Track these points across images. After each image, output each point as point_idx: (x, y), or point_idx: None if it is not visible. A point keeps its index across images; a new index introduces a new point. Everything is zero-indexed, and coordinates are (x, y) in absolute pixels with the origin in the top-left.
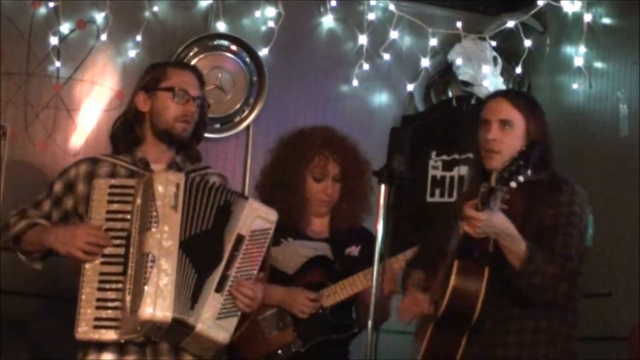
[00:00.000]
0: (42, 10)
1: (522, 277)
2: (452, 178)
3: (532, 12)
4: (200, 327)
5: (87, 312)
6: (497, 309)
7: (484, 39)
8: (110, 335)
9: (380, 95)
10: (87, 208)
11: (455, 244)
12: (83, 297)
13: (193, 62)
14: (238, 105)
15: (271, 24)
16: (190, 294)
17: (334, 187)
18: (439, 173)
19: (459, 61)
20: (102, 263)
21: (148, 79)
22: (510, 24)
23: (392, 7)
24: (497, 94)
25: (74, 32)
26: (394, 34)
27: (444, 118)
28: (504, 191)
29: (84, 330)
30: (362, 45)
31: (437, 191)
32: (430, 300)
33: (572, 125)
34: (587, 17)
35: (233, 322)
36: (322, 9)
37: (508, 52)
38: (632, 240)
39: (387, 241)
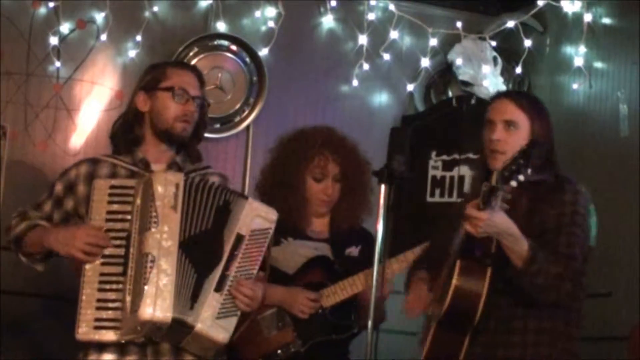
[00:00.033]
0: (42, 10)
1: (524, 276)
2: (452, 178)
3: (532, 12)
4: (199, 326)
5: (87, 313)
6: (500, 309)
7: (484, 39)
8: (110, 335)
9: (380, 95)
10: (87, 209)
11: (458, 244)
12: (83, 297)
13: (193, 62)
14: (238, 105)
15: (271, 24)
16: (189, 293)
17: (334, 187)
18: (439, 173)
19: (459, 61)
20: (102, 264)
21: (148, 79)
22: (510, 24)
23: (392, 7)
24: (502, 95)
25: (74, 32)
26: (394, 34)
27: (444, 118)
28: (505, 190)
29: (84, 331)
30: (362, 45)
31: (437, 191)
32: (434, 299)
33: (572, 125)
34: (587, 17)
35: (233, 321)
36: (322, 9)
37: (508, 52)
38: (632, 240)
39: (387, 241)
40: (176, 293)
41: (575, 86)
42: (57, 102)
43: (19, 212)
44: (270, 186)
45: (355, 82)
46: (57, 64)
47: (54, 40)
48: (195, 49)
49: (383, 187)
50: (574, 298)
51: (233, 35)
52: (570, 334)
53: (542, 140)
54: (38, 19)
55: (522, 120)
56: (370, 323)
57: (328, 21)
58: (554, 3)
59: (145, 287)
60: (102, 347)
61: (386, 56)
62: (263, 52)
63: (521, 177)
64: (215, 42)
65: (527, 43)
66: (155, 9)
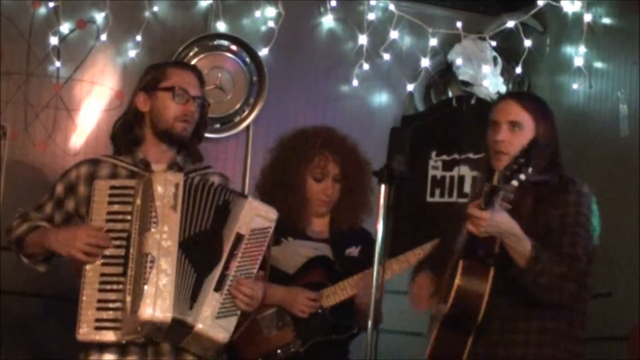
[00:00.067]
0: (42, 10)
1: (527, 276)
2: (452, 178)
3: (532, 12)
4: (199, 326)
5: (88, 314)
6: (503, 309)
7: (484, 39)
8: (111, 336)
9: (380, 95)
10: (88, 209)
11: (461, 244)
12: (84, 298)
13: (193, 62)
14: (238, 105)
15: (271, 24)
16: (189, 293)
17: (334, 187)
18: (439, 173)
19: (459, 61)
20: (103, 264)
21: (148, 79)
22: (510, 24)
23: (392, 7)
24: (507, 96)
25: (74, 32)
26: (394, 34)
27: (444, 118)
28: (507, 190)
29: (85, 332)
30: (362, 45)
31: (437, 191)
32: (438, 299)
33: (572, 125)
34: (587, 17)
35: (232, 321)
36: (322, 9)
37: (508, 52)
38: (632, 240)
39: (387, 241)
40: (176, 293)
41: (575, 86)
42: (57, 102)
43: (20, 213)
44: (270, 186)
45: (355, 82)
46: (57, 64)
47: (54, 40)
48: (195, 49)
49: (383, 187)
50: (577, 299)
51: (233, 35)
52: (573, 334)
53: (546, 141)
54: (38, 19)
55: (526, 121)
56: (370, 323)
57: (328, 21)
58: (554, 3)
59: (145, 287)
60: (103, 347)
61: (386, 56)
62: (263, 52)
63: (522, 176)
64: (215, 42)
65: (527, 43)
66: (155, 9)
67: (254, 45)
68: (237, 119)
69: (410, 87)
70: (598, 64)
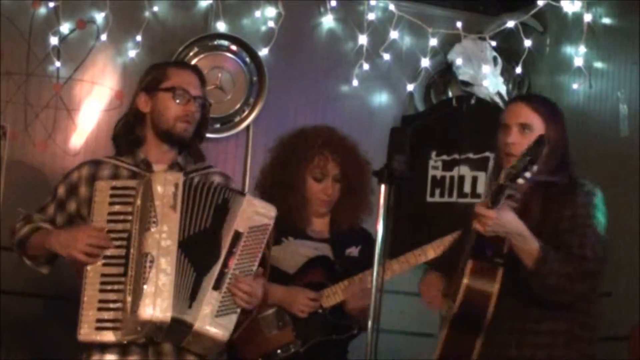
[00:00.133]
0: (42, 10)
1: (535, 277)
2: (452, 178)
3: (532, 12)
4: (198, 325)
5: (89, 314)
6: (513, 310)
7: (484, 39)
8: (112, 336)
9: (380, 95)
10: (89, 210)
11: (470, 244)
12: (85, 299)
13: (193, 62)
14: (238, 105)
15: (271, 24)
16: (189, 292)
17: (334, 187)
18: (439, 173)
19: (459, 61)
20: (104, 265)
21: (149, 79)
22: (510, 24)
23: (392, 7)
24: (517, 98)
25: (74, 32)
26: (394, 34)
27: (444, 118)
28: (513, 188)
29: (86, 332)
30: (362, 45)
31: (437, 191)
32: (448, 300)
33: (572, 125)
34: (587, 17)
35: (232, 319)
36: (322, 9)
37: (508, 52)
38: (632, 240)
39: (387, 241)
40: (175, 292)
41: (575, 86)
42: (57, 102)
43: (23, 215)
44: (270, 186)
45: (355, 82)
46: (57, 64)
47: (54, 40)
48: (195, 49)
49: (383, 187)
50: (587, 299)
51: (233, 35)
52: (584, 336)
53: (556, 142)
54: (38, 19)
55: (537, 123)
56: (370, 323)
57: (328, 21)
58: (554, 3)
59: (145, 287)
60: (104, 348)
61: (386, 56)
62: (263, 52)
63: (528, 175)
64: (215, 42)
65: (527, 43)
66: (155, 9)
67: (254, 45)
68: (237, 119)
69: (410, 87)
70: (598, 64)
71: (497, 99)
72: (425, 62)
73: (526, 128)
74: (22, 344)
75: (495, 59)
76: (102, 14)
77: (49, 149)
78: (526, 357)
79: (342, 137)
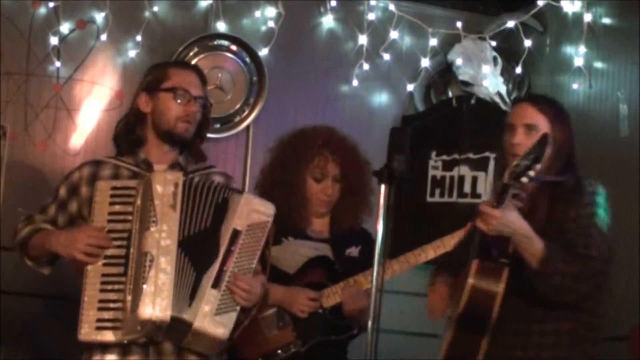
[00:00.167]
0: (42, 10)
1: (540, 277)
2: (452, 178)
3: (532, 12)
4: (198, 324)
5: (89, 314)
6: (518, 310)
7: (484, 39)
8: (112, 336)
9: (380, 95)
10: (90, 210)
11: (476, 244)
12: (85, 298)
13: (193, 62)
14: (238, 105)
15: (271, 24)
16: (188, 291)
17: (333, 187)
18: (439, 173)
19: (459, 61)
20: (104, 264)
21: (149, 79)
22: (510, 24)
23: (392, 7)
24: (523, 99)
25: (74, 32)
26: (394, 34)
27: (444, 118)
28: (517, 187)
29: (86, 332)
30: (362, 45)
31: (437, 191)
32: (454, 300)
33: (572, 126)
34: (587, 17)
35: (232, 317)
36: (322, 9)
37: (508, 52)
38: (632, 240)
39: (387, 241)
40: (175, 291)
41: (575, 86)
42: (57, 102)
43: (25, 216)
44: (270, 186)
45: (355, 82)
46: (57, 64)
47: (54, 40)
48: (195, 49)
49: (383, 187)
50: (595, 300)
51: (233, 35)
52: (589, 336)
53: (560, 142)
54: (38, 19)
55: (542, 123)
56: (370, 323)
57: (328, 21)
58: (554, 3)
59: (144, 287)
60: (105, 348)
61: (386, 56)
62: (263, 52)
63: (532, 173)
64: (215, 42)
65: (527, 43)
66: (155, 9)
67: (254, 45)
68: (237, 119)
69: (410, 87)
70: (598, 64)
71: (497, 99)
72: (425, 62)
73: (532, 129)
74: (22, 344)
75: (495, 59)
76: (102, 14)
77: (49, 149)
78: (531, 358)
79: (342, 137)
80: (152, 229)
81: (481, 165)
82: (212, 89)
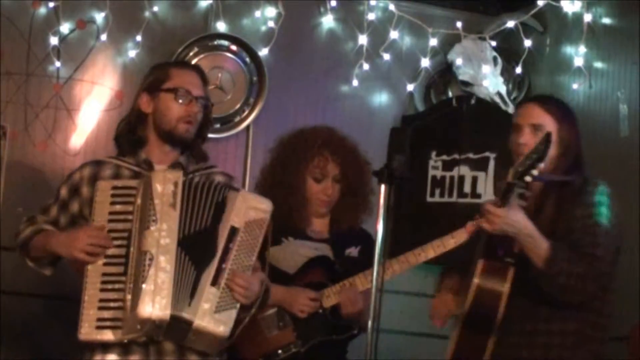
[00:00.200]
0: (42, 10)
1: (545, 277)
2: (452, 178)
3: (532, 12)
4: (198, 322)
5: (89, 313)
6: (523, 309)
7: (484, 39)
8: (112, 335)
9: (380, 95)
10: (91, 210)
11: (482, 244)
12: (86, 298)
13: (193, 62)
14: (238, 105)
15: (271, 24)
16: (188, 290)
17: (333, 187)
18: (439, 173)
19: (459, 61)
20: (105, 264)
21: (151, 80)
22: (510, 24)
23: (392, 7)
24: (529, 99)
25: (74, 32)
26: (394, 34)
27: (444, 118)
28: (522, 187)
29: (86, 331)
30: (362, 45)
31: (437, 191)
32: (461, 300)
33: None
34: (587, 17)
35: (232, 314)
36: (322, 9)
37: (508, 52)
38: (632, 240)
39: (387, 241)
40: (174, 290)
41: (575, 86)
42: (57, 102)
43: (27, 217)
44: (270, 186)
45: (355, 82)
46: (57, 64)
47: (54, 40)
48: (195, 49)
49: (383, 187)
50: (601, 299)
51: (233, 35)
52: (595, 336)
53: (567, 141)
54: (38, 19)
55: (548, 123)
56: (370, 323)
57: (328, 21)
58: (554, 3)
59: (144, 286)
60: (106, 347)
61: (386, 56)
62: (263, 52)
63: (535, 172)
64: (215, 42)
65: (527, 43)
66: (155, 9)
67: (254, 45)
68: (237, 119)
69: (410, 87)
70: (598, 64)
71: (497, 99)
72: (425, 62)
73: (538, 129)
74: (22, 344)
75: (495, 59)
76: (102, 14)
77: (49, 149)
78: (537, 358)
79: (342, 137)
80: (152, 228)
81: (481, 165)
82: (212, 89)
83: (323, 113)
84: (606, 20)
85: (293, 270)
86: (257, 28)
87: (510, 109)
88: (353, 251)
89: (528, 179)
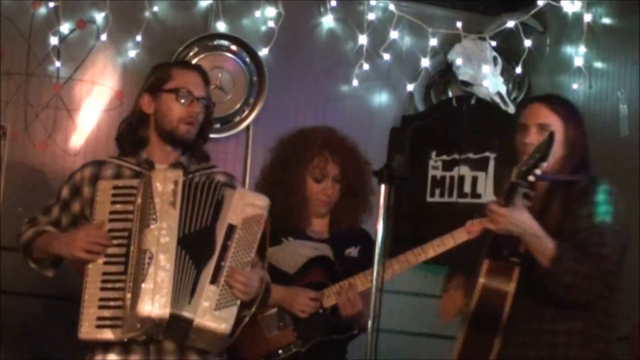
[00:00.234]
0: (42, 10)
1: (550, 276)
2: (452, 178)
3: (532, 12)
4: (198, 320)
5: (90, 312)
6: (528, 309)
7: (484, 39)
8: (112, 334)
9: (380, 95)
10: (92, 210)
11: (487, 244)
12: (86, 297)
13: (193, 62)
14: (238, 105)
15: (271, 24)
16: (188, 288)
17: (333, 187)
18: (439, 173)
19: (459, 61)
20: (105, 263)
21: (152, 80)
22: (510, 24)
23: (392, 7)
24: (535, 99)
25: (74, 32)
26: (394, 34)
27: (444, 118)
28: (525, 186)
29: (87, 330)
30: (362, 45)
31: (437, 191)
32: (467, 300)
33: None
34: (587, 17)
35: (232, 311)
36: (322, 9)
37: (508, 52)
38: (632, 240)
39: (387, 241)
40: (174, 289)
41: (575, 86)
42: (57, 102)
43: (29, 218)
44: (270, 186)
45: (355, 82)
46: (57, 64)
47: (54, 40)
48: (195, 49)
49: (383, 187)
50: (608, 299)
51: (233, 35)
52: (602, 335)
53: (573, 141)
54: (38, 19)
55: (555, 123)
56: (370, 323)
57: (328, 21)
58: (554, 3)
59: (143, 284)
60: (107, 347)
61: (386, 56)
62: (263, 52)
63: (538, 171)
64: (215, 42)
65: (527, 43)
66: (155, 9)
67: (254, 45)
68: (237, 119)
69: (410, 87)
70: (598, 64)
71: (497, 99)
72: (425, 62)
73: (545, 128)
74: (22, 344)
75: (495, 59)
76: (102, 14)
77: (49, 149)
78: (543, 358)
79: (342, 137)
80: (152, 226)
81: (481, 165)
82: (212, 89)
83: (323, 113)
84: (606, 20)
85: (293, 270)
86: (257, 28)
87: (511, 109)
88: (353, 251)
89: (531, 178)
